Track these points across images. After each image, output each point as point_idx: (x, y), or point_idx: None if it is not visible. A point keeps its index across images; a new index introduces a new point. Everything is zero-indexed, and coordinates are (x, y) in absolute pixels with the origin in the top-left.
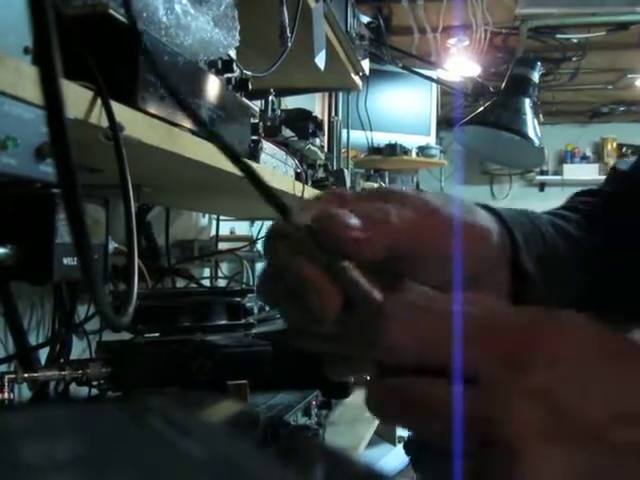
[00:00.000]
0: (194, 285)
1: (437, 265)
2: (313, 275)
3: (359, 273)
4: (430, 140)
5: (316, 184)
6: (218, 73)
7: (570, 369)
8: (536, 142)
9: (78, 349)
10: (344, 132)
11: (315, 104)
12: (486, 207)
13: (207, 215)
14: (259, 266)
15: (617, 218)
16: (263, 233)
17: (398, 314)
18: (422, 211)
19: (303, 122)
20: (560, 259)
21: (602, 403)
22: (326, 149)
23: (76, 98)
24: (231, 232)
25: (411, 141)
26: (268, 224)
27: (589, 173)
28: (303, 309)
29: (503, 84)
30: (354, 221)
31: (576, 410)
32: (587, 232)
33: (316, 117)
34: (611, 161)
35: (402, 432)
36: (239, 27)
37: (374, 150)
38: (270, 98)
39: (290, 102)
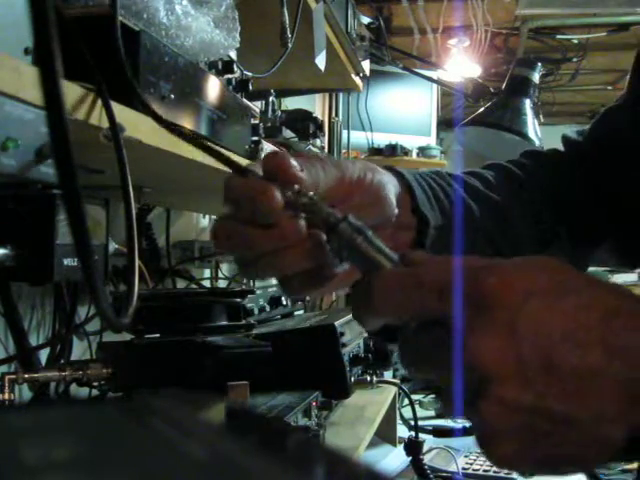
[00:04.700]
0: (194, 286)
1: (361, 211)
2: (260, 185)
3: (310, 197)
4: (430, 141)
5: None
6: (218, 74)
7: (529, 303)
8: (536, 143)
9: (79, 350)
10: (344, 133)
11: (315, 105)
12: (391, 169)
13: (207, 216)
14: None
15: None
16: None
17: (389, 286)
18: (347, 173)
19: (303, 123)
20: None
21: (559, 332)
22: (327, 150)
23: (76, 99)
24: None
25: (411, 142)
26: None
27: None
28: (249, 219)
29: (503, 85)
30: (295, 164)
31: (535, 340)
32: (499, 187)
33: (316, 118)
34: None
35: (402, 433)
36: (239, 28)
37: (374, 151)
38: (270, 99)
39: (290, 103)
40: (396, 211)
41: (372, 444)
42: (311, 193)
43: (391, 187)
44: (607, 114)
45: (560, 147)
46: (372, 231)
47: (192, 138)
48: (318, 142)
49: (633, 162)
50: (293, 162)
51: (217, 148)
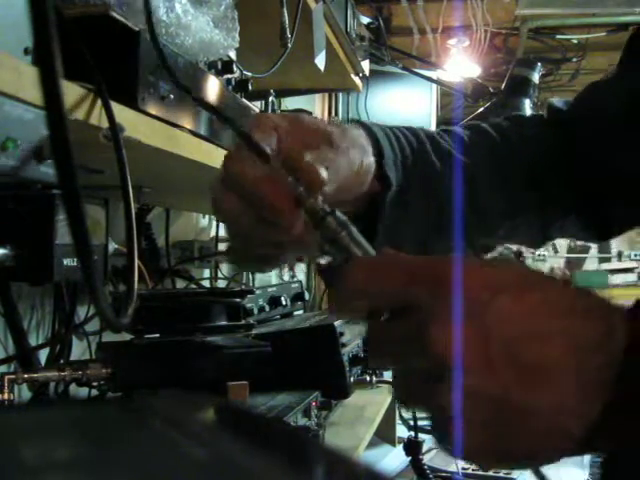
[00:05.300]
0: (194, 286)
1: (341, 192)
2: (284, 202)
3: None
4: None
5: None
6: (218, 74)
7: (496, 297)
8: None
9: (78, 350)
10: None
11: (315, 105)
12: (364, 125)
13: (207, 216)
14: None
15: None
16: None
17: (359, 271)
18: (351, 162)
19: None
20: (427, 172)
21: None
22: None
23: (76, 99)
24: None
25: None
26: None
27: None
28: (257, 214)
29: (503, 85)
30: (324, 174)
31: (502, 332)
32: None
33: None
34: None
35: (402, 433)
36: (239, 28)
37: None
38: (270, 99)
39: (290, 103)
40: (366, 188)
41: (372, 444)
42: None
43: (373, 164)
44: (594, 87)
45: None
46: (355, 227)
47: (217, 112)
48: None
49: (613, 136)
50: (322, 172)
51: (241, 129)
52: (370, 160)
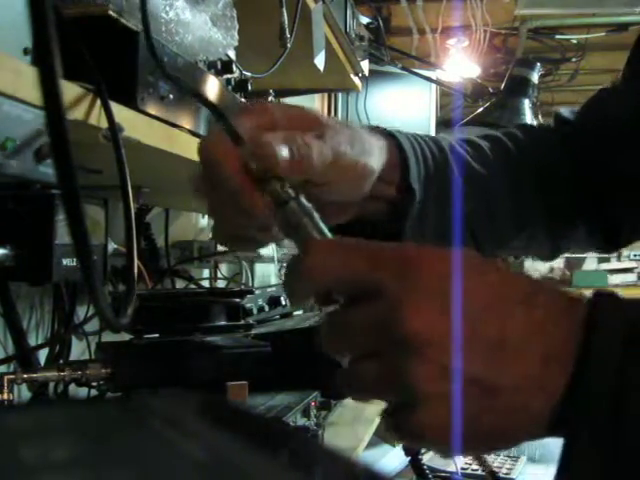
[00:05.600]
0: (193, 286)
1: (336, 191)
2: (246, 183)
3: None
4: None
5: None
6: (218, 74)
7: (457, 275)
8: None
9: (77, 350)
10: None
11: (314, 105)
12: (386, 132)
13: (206, 216)
14: (258, 267)
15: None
16: None
17: (318, 254)
18: (335, 151)
19: None
20: (449, 183)
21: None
22: None
23: (75, 98)
24: None
25: None
26: None
27: None
28: (236, 207)
29: (502, 85)
30: (284, 153)
31: (464, 309)
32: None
33: None
34: None
35: None
36: (238, 27)
37: None
38: (270, 99)
39: (289, 103)
40: (367, 190)
41: (371, 444)
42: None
43: (380, 166)
44: (600, 95)
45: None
46: (318, 214)
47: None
48: None
49: (621, 140)
50: (280, 151)
51: (221, 111)
52: (375, 162)
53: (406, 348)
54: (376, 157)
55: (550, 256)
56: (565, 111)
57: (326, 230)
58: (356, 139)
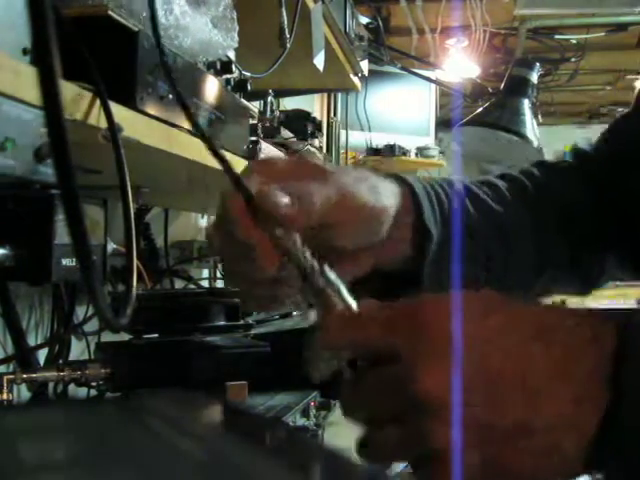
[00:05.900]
0: (193, 286)
1: (349, 234)
2: (258, 238)
3: (293, 242)
4: (429, 141)
5: None
6: (217, 74)
7: (466, 328)
8: (535, 143)
9: (77, 350)
10: (343, 133)
11: (314, 105)
12: (399, 178)
13: (206, 216)
14: None
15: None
16: None
17: (334, 325)
18: (339, 192)
19: (302, 123)
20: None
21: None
22: (325, 150)
23: (75, 99)
24: None
25: (410, 142)
26: None
27: None
28: (248, 261)
29: (502, 85)
30: (285, 201)
31: (479, 361)
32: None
33: (315, 118)
34: None
35: None
36: (238, 28)
37: (373, 151)
38: (269, 99)
39: (289, 103)
40: (384, 235)
41: None
42: (295, 237)
43: (392, 207)
44: (616, 124)
45: (559, 147)
46: (345, 285)
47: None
48: (316, 142)
49: None
50: (281, 200)
51: (223, 154)
52: (387, 203)
53: (424, 410)
54: (388, 199)
55: (584, 291)
56: (583, 144)
57: (352, 300)
58: (363, 180)
